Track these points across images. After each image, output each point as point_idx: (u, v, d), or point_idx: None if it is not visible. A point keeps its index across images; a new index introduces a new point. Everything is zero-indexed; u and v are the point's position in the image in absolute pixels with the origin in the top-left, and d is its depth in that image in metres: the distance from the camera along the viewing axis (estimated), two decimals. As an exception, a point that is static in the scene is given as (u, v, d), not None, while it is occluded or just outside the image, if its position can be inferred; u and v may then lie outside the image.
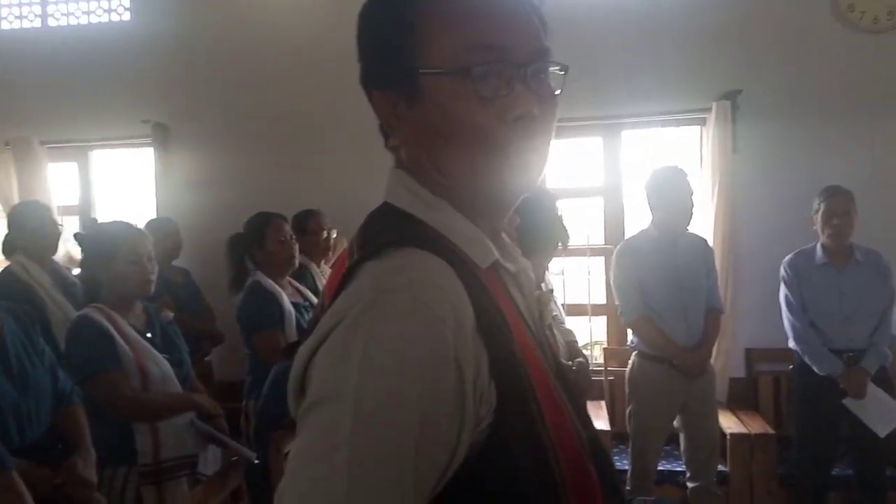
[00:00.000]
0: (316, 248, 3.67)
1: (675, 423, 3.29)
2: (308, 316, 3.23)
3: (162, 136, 4.63)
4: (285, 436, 2.69)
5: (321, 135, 4.53)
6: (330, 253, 3.76)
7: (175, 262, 4.07)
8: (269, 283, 3.12)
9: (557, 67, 0.77)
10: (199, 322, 3.87)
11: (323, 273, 3.69)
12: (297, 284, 3.34)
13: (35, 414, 1.79)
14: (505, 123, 0.73)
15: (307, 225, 3.65)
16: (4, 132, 4.73)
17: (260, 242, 3.15)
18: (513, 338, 0.71)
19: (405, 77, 0.75)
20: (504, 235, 0.85)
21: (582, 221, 4.29)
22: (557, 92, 0.77)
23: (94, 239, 2.38)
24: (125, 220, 2.50)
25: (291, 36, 4.53)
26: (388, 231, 0.74)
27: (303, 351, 0.68)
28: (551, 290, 2.58)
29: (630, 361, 3.36)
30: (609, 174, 4.33)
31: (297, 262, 3.28)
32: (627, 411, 3.30)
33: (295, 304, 3.18)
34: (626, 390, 3.36)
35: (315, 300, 3.37)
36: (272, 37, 4.56)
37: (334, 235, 3.74)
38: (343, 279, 0.71)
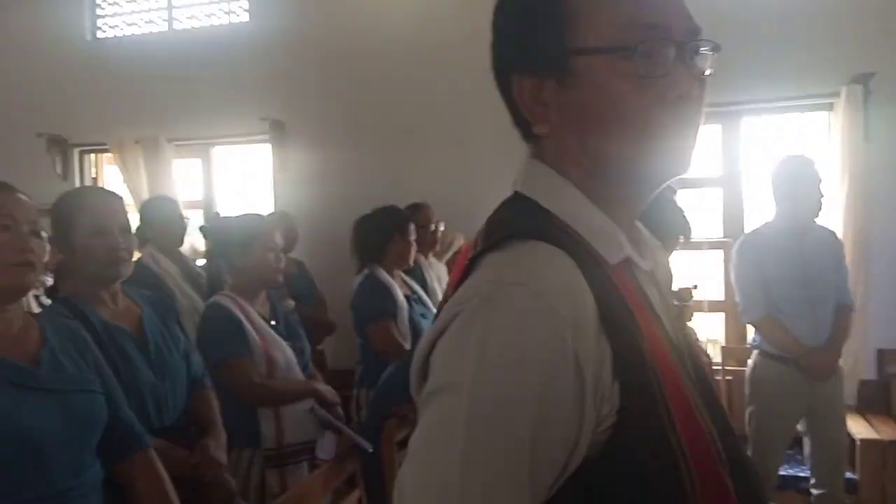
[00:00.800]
0: (424, 241, 3.70)
1: (799, 426, 3.11)
2: (417, 308, 3.28)
3: (278, 133, 4.81)
4: (396, 425, 2.74)
5: (430, 129, 4.58)
6: (437, 246, 3.80)
7: (290, 254, 4.23)
8: (384, 275, 3.19)
9: (709, 47, 0.74)
10: (313, 312, 4.00)
11: (431, 265, 3.73)
12: (404, 277, 3.40)
13: (172, 397, 1.89)
14: (664, 104, 0.70)
15: (415, 218, 3.70)
16: (135, 131, 5.04)
17: (403, 232, 3.21)
18: (641, 337, 0.68)
19: (555, 59, 0.72)
20: (640, 226, 0.82)
21: (699, 213, 4.13)
22: (708, 72, 0.74)
23: (231, 229, 2.49)
24: (256, 213, 2.61)
25: (402, 32, 4.60)
26: (513, 222, 0.73)
27: (425, 339, 0.68)
28: (695, 287, 2.49)
29: (750, 361, 3.20)
30: (728, 163, 4.14)
31: (412, 259, 3.35)
32: (747, 413, 3.15)
33: (405, 297, 3.24)
34: (746, 391, 3.20)
35: (422, 293, 3.42)
36: (383, 34, 4.65)
37: (442, 228, 3.77)
38: (465, 270, 0.71)
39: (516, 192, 0.78)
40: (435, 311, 3.38)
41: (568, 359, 0.62)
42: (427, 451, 0.62)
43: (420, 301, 3.36)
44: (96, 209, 1.83)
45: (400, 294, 3.19)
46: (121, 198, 1.94)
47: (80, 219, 1.80)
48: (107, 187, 3.34)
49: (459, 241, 3.99)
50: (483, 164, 4.52)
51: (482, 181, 4.51)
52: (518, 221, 0.73)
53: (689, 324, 2.74)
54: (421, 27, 4.54)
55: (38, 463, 1.32)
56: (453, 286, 0.72)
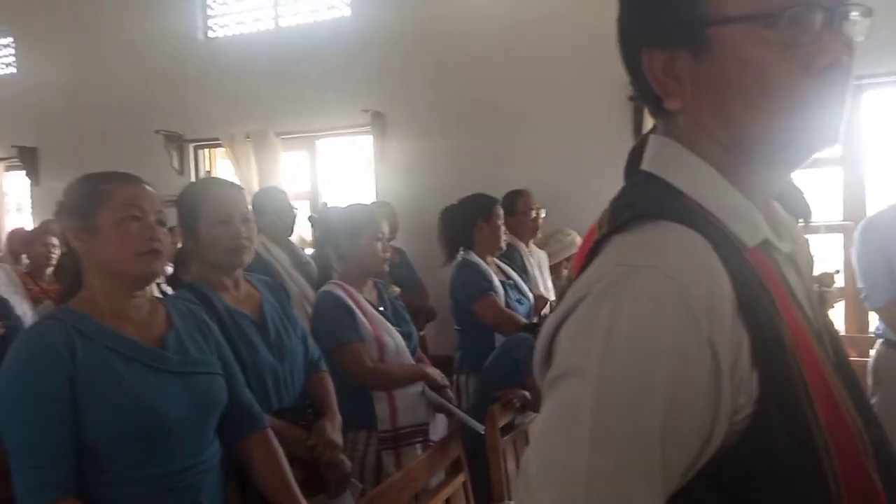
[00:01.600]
0: (524, 227, 3.69)
1: (931, 421, 2.90)
2: (512, 294, 3.28)
3: (379, 124, 4.90)
4: (501, 409, 2.76)
5: (528, 116, 4.56)
6: (538, 233, 3.77)
7: (391, 243, 4.32)
8: (478, 259, 3.21)
9: (859, 11, 0.69)
10: (414, 299, 4.07)
11: (531, 252, 3.72)
12: (499, 263, 3.41)
13: (290, 379, 1.97)
14: (811, 74, 0.66)
15: (516, 204, 3.69)
16: (246, 126, 5.27)
17: (487, 218, 3.23)
18: (782, 323, 0.64)
19: (689, 30, 0.69)
20: (777, 206, 0.78)
21: (818, 194, 3.91)
22: (859, 39, 0.69)
23: (340, 219, 2.57)
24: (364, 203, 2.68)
25: (498, 22, 4.59)
26: (641, 203, 0.70)
27: (549, 322, 0.67)
28: (836, 271, 2.36)
29: (874, 351, 3.01)
30: (849, 141, 3.89)
31: (503, 243, 3.35)
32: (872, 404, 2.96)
33: (501, 283, 3.25)
34: (869, 381, 3.02)
35: (519, 279, 3.42)
36: (480, 25, 4.65)
37: (543, 215, 3.74)
38: (590, 253, 0.69)
39: (643, 172, 0.75)
40: (532, 298, 3.39)
41: (702, 345, 0.60)
42: (553, 435, 0.62)
43: (516, 287, 3.35)
44: (220, 199, 1.92)
45: (495, 279, 3.21)
46: (241, 188, 2.03)
47: (205, 208, 1.90)
48: (223, 180, 3.52)
49: (568, 236, 3.94)
50: (583, 148, 4.46)
51: (582, 166, 4.48)
52: (646, 202, 0.70)
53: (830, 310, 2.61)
54: (517, 15, 4.52)
55: (164, 440, 1.40)
56: (577, 269, 0.71)
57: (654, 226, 0.66)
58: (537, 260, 3.70)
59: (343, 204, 4.24)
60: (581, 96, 4.45)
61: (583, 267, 0.69)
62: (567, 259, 3.96)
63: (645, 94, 0.75)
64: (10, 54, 6.69)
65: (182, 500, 1.42)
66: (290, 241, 3.81)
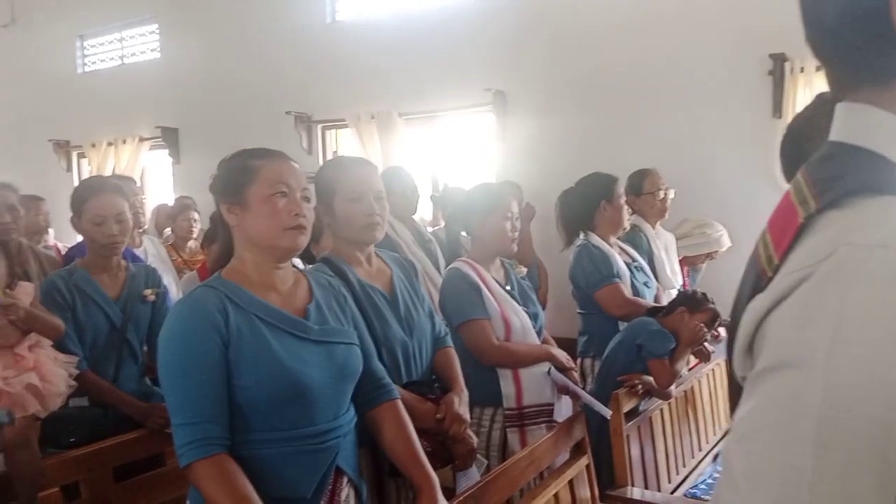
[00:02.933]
0: (651, 208, 3.57)
1: None
2: (639, 276, 3.19)
3: (500, 103, 4.88)
4: (626, 394, 2.70)
5: (658, 93, 4.40)
6: (667, 214, 3.64)
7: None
8: (600, 241, 3.14)
9: None
10: (537, 281, 4.05)
11: (658, 234, 3.60)
12: (622, 245, 3.32)
13: (418, 354, 2.02)
14: None
15: (642, 184, 3.58)
16: (371, 106, 5.39)
17: (609, 198, 3.16)
18: None
19: None
20: None
21: None
22: None
23: (472, 198, 2.58)
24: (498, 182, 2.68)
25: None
26: (854, 177, 0.63)
27: (756, 308, 0.62)
28: None
29: None
30: None
31: (626, 223, 3.26)
32: None
33: (626, 265, 3.17)
34: None
35: (643, 262, 3.32)
36: (600, 3, 4.52)
37: (672, 195, 3.60)
38: (797, 232, 0.63)
39: (837, 143, 0.68)
40: (655, 281, 3.28)
41: None
42: (769, 431, 0.57)
43: (641, 269, 3.26)
44: (356, 177, 1.98)
45: (619, 261, 3.13)
46: (375, 167, 2.08)
47: (341, 185, 1.96)
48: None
49: (718, 231, 3.78)
50: (716, 127, 4.26)
51: (716, 145, 4.29)
52: (860, 176, 0.63)
53: None
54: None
55: (306, 404, 1.47)
56: (781, 251, 0.64)
57: (876, 202, 0.60)
58: (664, 242, 3.58)
59: (463, 183, 4.28)
60: (715, 71, 4.25)
61: (788, 248, 0.63)
62: (707, 255, 3.81)
63: (849, 57, 0.67)
64: (155, 40, 7.16)
65: (321, 462, 1.49)
66: (413, 219, 3.88)
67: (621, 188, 3.22)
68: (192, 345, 1.40)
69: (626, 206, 3.22)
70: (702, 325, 2.82)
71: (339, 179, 1.98)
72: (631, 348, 2.80)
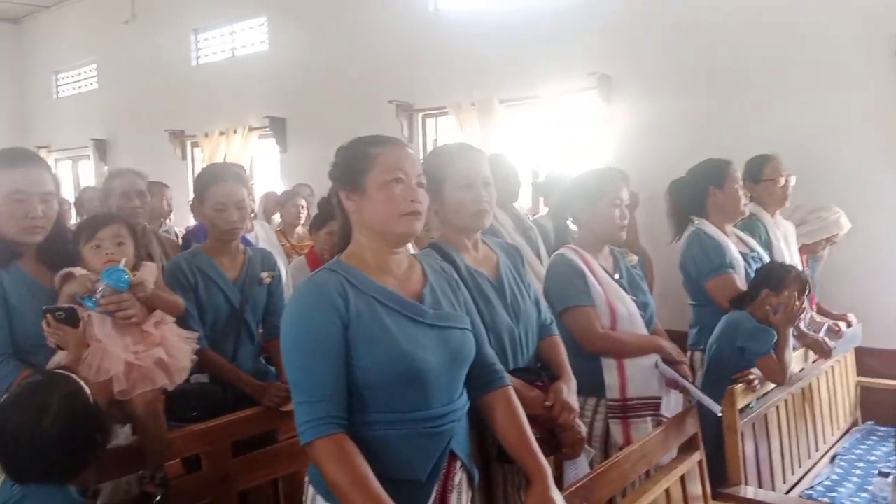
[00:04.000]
0: (771, 196, 3.39)
1: None
2: (756, 266, 3.04)
3: (606, 87, 4.77)
4: (742, 390, 2.59)
5: (776, 74, 4.17)
6: (787, 202, 3.45)
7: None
8: (713, 229, 3.01)
9: None
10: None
11: (777, 223, 3.42)
12: (739, 233, 3.17)
13: (525, 341, 2.00)
14: None
15: (762, 171, 3.40)
16: (471, 94, 5.39)
17: (720, 183, 3.03)
18: None
19: None
20: None
21: None
22: None
23: (580, 184, 2.54)
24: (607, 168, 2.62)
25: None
26: None
27: None
28: None
29: None
30: None
31: (743, 207, 3.11)
32: None
33: (742, 255, 3.03)
34: None
35: (762, 251, 3.16)
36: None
37: (793, 182, 3.41)
38: None
39: None
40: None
41: None
42: None
43: (760, 260, 3.11)
44: (465, 164, 1.97)
45: (734, 249, 3.00)
46: (484, 154, 2.07)
47: (451, 172, 1.96)
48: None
49: (835, 214, 3.57)
50: (839, 110, 4.00)
51: (838, 130, 4.02)
52: None
53: None
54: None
55: (422, 388, 1.48)
56: None
57: None
58: (783, 232, 3.39)
59: (566, 170, 4.20)
60: (838, 51, 3.98)
61: None
62: (827, 240, 3.59)
63: None
64: (264, 33, 7.42)
65: (435, 445, 1.50)
66: (514, 206, 3.85)
67: (735, 173, 3.07)
68: (313, 326, 1.44)
69: (741, 192, 3.06)
70: (793, 300, 2.68)
71: (450, 166, 1.98)
72: (734, 351, 2.69)
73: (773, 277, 2.75)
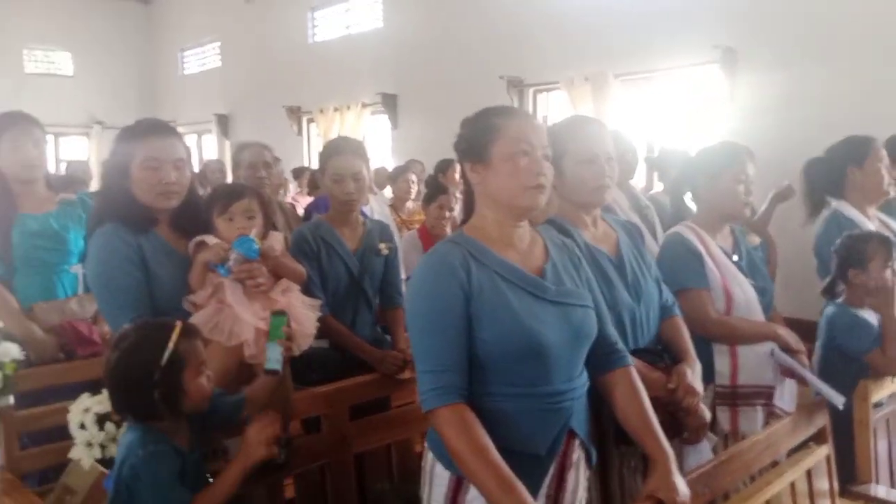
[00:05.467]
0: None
1: None
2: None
3: (730, 60, 4.55)
4: (874, 383, 2.43)
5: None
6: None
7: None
8: (853, 212, 2.81)
9: None
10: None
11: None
12: (883, 217, 2.95)
13: (646, 321, 1.95)
14: None
15: (904, 150, 3.14)
16: (584, 68, 5.27)
17: (860, 162, 2.83)
18: None
19: None
20: None
21: None
22: None
23: (701, 158, 2.44)
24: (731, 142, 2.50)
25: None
26: None
27: None
28: None
29: None
30: None
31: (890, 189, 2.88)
32: None
33: (885, 240, 2.82)
34: None
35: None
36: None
37: (942, 162, 3.13)
38: None
39: None
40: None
41: None
42: None
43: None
44: (587, 138, 1.93)
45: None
46: (607, 128, 2.02)
47: (572, 147, 1.92)
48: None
49: None
50: None
51: None
52: None
53: None
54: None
55: (542, 364, 1.48)
56: None
57: None
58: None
59: (683, 145, 4.04)
60: None
61: None
62: None
63: None
64: (379, 10, 7.52)
65: (554, 421, 1.50)
66: (629, 184, 3.74)
67: (878, 151, 2.85)
68: (437, 297, 1.46)
69: (884, 172, 2.84)
70: (882, 271, 2.46)
71: (571, 140, 1.94)
72: (835, 351, 2.52)
73: (852, 254, 2.54)
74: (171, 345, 1.52)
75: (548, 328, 1.48)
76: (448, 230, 4.09)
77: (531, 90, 5.90)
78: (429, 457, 1.56)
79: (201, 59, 10.98)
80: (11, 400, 2.15)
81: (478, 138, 1.55)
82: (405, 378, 2.39)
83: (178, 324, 1.57)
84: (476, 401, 1.45)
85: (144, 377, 1.50)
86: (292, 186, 6.81)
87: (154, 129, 2.02)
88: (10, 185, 2.57)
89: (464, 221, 1.64)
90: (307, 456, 2.11)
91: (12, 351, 2.11)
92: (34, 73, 11.28)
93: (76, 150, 11.34)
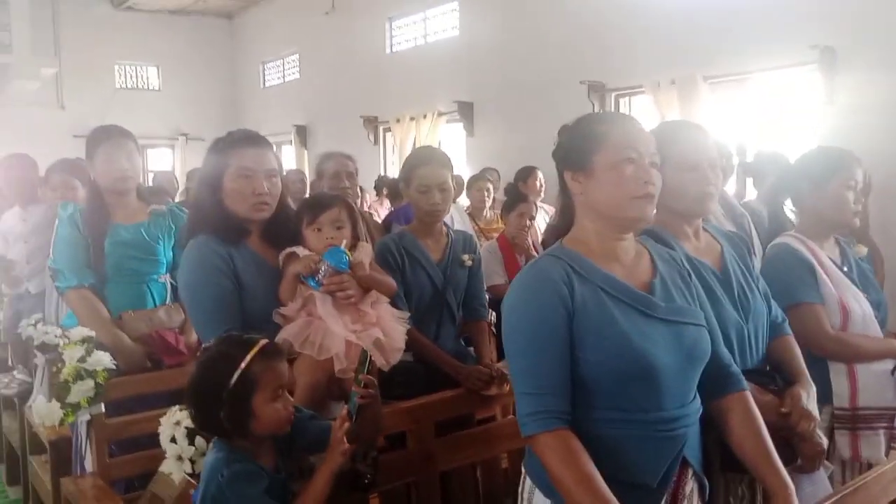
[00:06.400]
0: None
1: None
2: None
3: (829, 60, 4.30)
4: None
5: None
6: None
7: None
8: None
9: None
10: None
11: None
12: None
13: (754, 340, 1.81)
14: None
15: None
16: (671, 71, 5.09)
17: None
18: None
19: None
20: None
21: None
22: None
23: (805, 163, 2.29)
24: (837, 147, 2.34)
25: None
26: None
27: None
28: None
29: None
30: None
31: None
32: None
33: None
34: None
35: None
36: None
37: None
38: None
39: None
40: None
41: None
42: None
43: None
44: (690, 144, 1.81)
45: None
46: (710, 134, 1.90)
47: (674, 153, 1.80)
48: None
49: None
50: None
51: None
52: None
53: None
54: None
55: (653, 387, 1.37)
56: None
57: None
58: None
59: (779, 150, 3.82)
60: None
61: None
62: None
63: None
64: (455, 18, 7.51)
65: (667, 450, 1.39)
66: (724, 191, 3.57)
67: None
68: (538, 315, 1.37)
69: None
70: None
71: (673, 146, 1.82)
72: None
73: None
74: (242, 365, 1.47)
75: (658, 348, 1.37)
76: (529, 240, 4.00)
77: (613, 95, 5.74)
78: (526, 483, 1.47)
79: (281, 71, 11.24)
80: (102, 408, 2.19)
81: (578, 146, 1.46)
82: (492, 395, 2.30)
83: (259, 344, 1.52)
84: (579, 426, 1.36)
85: (213, 396, 1.46)
86: (368, 196, 6.85)
87: (247, 140, 2.01)
88: (104, 195, 2.63)
89: (561, 233, 1.54)
90: (393, 473, 2.05)
91: (104, 360, 2.14)
92: (124, 88, 11.80)
93: (162, 162, 11.79)
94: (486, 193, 4.99)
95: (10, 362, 3.58)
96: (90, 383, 2.08)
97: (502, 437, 2.32)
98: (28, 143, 4.02)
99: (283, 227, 2.04)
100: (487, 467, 2.30)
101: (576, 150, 1.46)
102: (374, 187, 6.80)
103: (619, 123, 1.46)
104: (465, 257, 2.50)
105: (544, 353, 1.35)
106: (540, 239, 4.25)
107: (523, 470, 1.50)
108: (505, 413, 2.60)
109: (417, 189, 2.41)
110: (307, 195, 3.81)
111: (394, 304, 2.23)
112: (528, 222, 3.93)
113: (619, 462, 1.35)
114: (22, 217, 3.61)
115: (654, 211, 1.45)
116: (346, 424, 1.58)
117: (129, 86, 11.95)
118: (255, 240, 2.03)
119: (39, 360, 2.48)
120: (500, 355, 2.48)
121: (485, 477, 2.30)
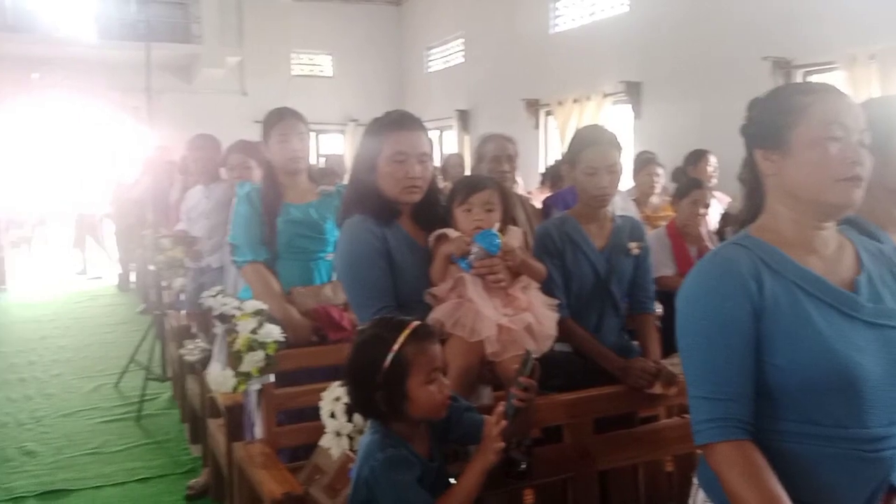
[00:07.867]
0: None
1: None
2: None
3: None
4: None
5: None
6: None
7: None
8: None
9: None
10: None
11: None
12: None
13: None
14: None
15: None
16: (871, 44, 4.54)
17: None
18: None
19: None
20: None
21: None
22: None
23: None
24: None
25: None
26: None
27: None
28: None
29: None
30: None
31: None
32: None
33: None
34: None
35: None
36: None
37: None
38: None
39: None
40: None
41: None
42: None
43: None
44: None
45: None
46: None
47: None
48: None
49: None
50: None
51: None
52: None
53: None
54: None
55: (855, 400, 1.18)
56: None
57: None
58: None
59: None
60: None
61: None
62: None
63: None
64: (625, -7, 7.19)
65: (870, 474, 1.20)
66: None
67: None
68: (720, 310, 1.22)
69: None
70: None
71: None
72: None
73: None
74: (395, 347, 1.46)
75: (864, 356, 1.19)
76: (702, 229, 3.74)
77: (801, 72, 5.21)
78: (699, 496, 1.34)
79: (445, 56, 11.38)
80: (272, 378, 2.29)
81: (774, 120, 1.28)
82: (657, 394, 2.15)
83: (411, 325, 1.50)
84: (762, 438, 1.21)
85: (368, 378, 1.46)
86: (521, 182, 6.71)
87: (401, 123, 2.04)
88: (277, 176, 2.76)
89: (746, 221, 1.37)
90: (548, 466, 1.97)
91: (274, 332, 2.23)
92: (299, 76, 12.49)
93: (333, 146, 12.39)
94: (654, 178, 4.74)
95: (193, 331, 3.89)
96: (261, 354, 2.18)
97: (668, 439, 2.17)
98: (214, 128, 4.30)
99: (432, 209, 2.07)
100: (650, 470, 2.16)
101: (770, 124, 1.29)
102: (542, 175, 6.63)
103: (823, 94, 1.26)
104: (632, 245, 2.35)
105: (725, 354, 1.21)
106: (713, 228, 3.97)
107: (694, 481, 1.36)
108: (669, 413, 2.44)
109: (584, 171, 2.29)
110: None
111: (549, 291, 2.15)
112: (701, 210, 3.67)
113: (810, 484, 1.19)
114: (205, 195, 3.88)
115: (862, 196, 1.25)
116: (502, 423, 1.53)
117: (304, 73, 12.63)
118: (405, 220, 2.06)
119: (218, 329, 2.64)
120: (666, 353, 2.33)
121: (647, 480, 2.16)
